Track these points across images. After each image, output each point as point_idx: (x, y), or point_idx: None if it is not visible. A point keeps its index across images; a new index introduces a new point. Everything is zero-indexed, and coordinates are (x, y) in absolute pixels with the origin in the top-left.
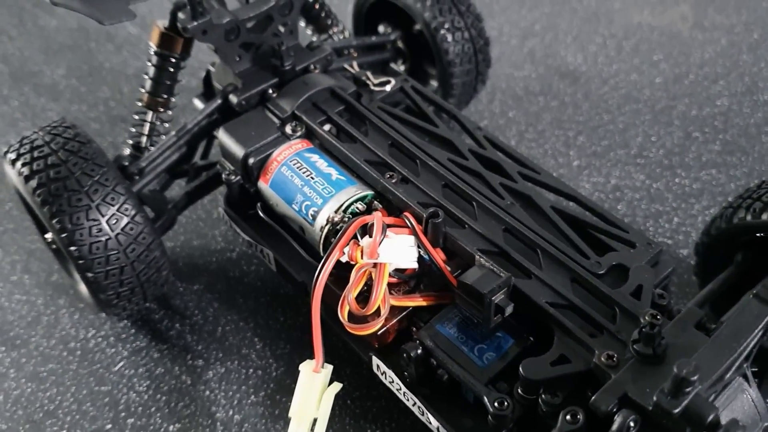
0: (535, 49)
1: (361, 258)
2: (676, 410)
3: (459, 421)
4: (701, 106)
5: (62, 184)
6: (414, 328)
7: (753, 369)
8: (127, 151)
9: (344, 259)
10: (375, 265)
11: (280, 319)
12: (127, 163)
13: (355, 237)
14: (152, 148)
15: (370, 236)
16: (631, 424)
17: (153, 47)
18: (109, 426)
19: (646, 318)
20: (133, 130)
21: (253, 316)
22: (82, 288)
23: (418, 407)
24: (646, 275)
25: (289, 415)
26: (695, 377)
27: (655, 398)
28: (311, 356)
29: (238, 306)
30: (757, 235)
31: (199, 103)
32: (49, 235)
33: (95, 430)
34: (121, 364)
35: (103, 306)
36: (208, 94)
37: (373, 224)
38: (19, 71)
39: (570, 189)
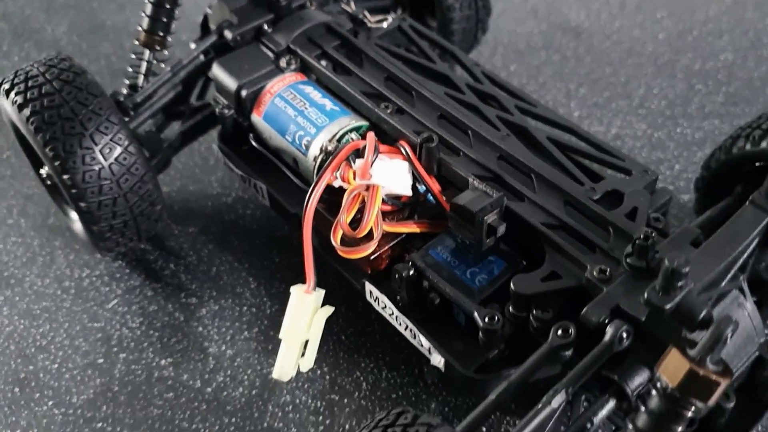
0: (538, 6)
1: (354, 179)
2: (668, 306)
3: (450, 343)
4: (705, 60)
5: (56, 112)
6: (407, 255)
7: (753, 299)
8: (124, 90)
9: (337, 184)
10: (368, 188)
11: (276, 260)
12: (122, 99)
13: (347, 161)
14: (147, 85)
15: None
16: (624, 335)
17: None
18: (101, 360)
19: (640, 235)
20: (130, 69)
21: (247, 257)
22: (77, 225)
23: (410, 331)
24: (642, 198)
25: (279, 336)
26: (686, 269)
27: (646, 295)
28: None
29: (233, 247)
30: (757, 164)
31: (194, 46)
32: (44, 171)
33: (87, 365)
34: (115, 301)
35: (96, 240)
36: (204, 36)
37: (365, 147)
38: (20, 28)
39: (566, 120)
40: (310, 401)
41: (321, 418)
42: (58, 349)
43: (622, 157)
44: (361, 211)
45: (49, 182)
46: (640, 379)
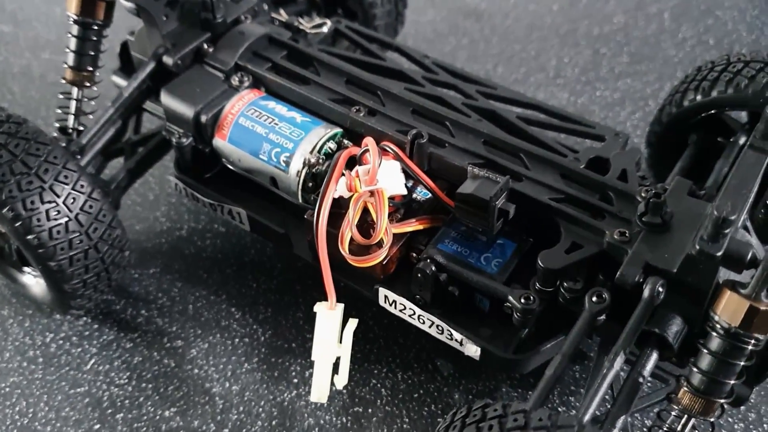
0: None
1: (360, 187)
2: (719, 253)
3: (480, 330)
4: (601, 25)
5: (7, 168)
6: (413, 254)
7: None
8: (54, 134)
9: (337, 195)
10: (372, 194)
11: (253, 285)
12: (65, 143)
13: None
14: (81, 128)
15: (361, 165)
16: (660, 289)
17: (72, 15)
18: (97, 426)
19: (643, 194)
20: (59, 111)
21: (223, 288)
22: (35, 288)
23: (437, 327)
24: (626, 159)
25: (312, 358)
26: (734, 216)
27: (697, 246)
28: (296, 316)
29: (203, 281)
30: (704, 114)
31: (119, 80)
32: None
33: None
34: (93, 361)
35: (68, 300)
36: (127, 68)
37: (364, 153)
38: None
39: (528, 98)
40: (335, 419)
41: None
42: (44, 425)
43: (592, 125)
44: (362, 219)
45: None
46: (675, 327)
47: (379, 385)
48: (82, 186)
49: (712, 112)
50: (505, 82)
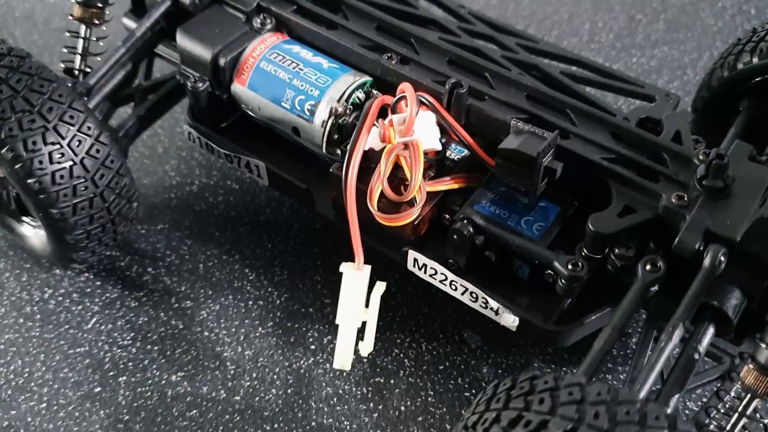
0: None
1: (394, 138)
2: None
3: (517, 299)
4: None
5: (8, 104)
6: (446, 215)
7: None
8: (60, 74)
9: (367, 146)
10: (405, 146)
11: (268, 246)
12: (71, 83)
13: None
14: (88, 69)
15: (394, 113)
16: (722, 258)
17: None
18: (98, 389)
19: (701, 156)
20: (65, 50)
21: (236, 247)
22: (34, 240)
23: (471, 294)
24: (681, 121)
25: (336, 321)
26: None
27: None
28: (314, 279)
29: (215, 239)
30: (760, 78)
31: (130, 22)
32: None
33: (82, 397)
34: (94, 320)
35: (67, 252)
36: (138, 10)
37: (398, 101)
38: None
39: (573, 54)
40: (354, 389)
41: (372, 404)
42: (40, 386)
43: (641, 84)
44: (393, 174)
45: None
46: (735, 300)
47: (402, 356)
48: (89, 128)
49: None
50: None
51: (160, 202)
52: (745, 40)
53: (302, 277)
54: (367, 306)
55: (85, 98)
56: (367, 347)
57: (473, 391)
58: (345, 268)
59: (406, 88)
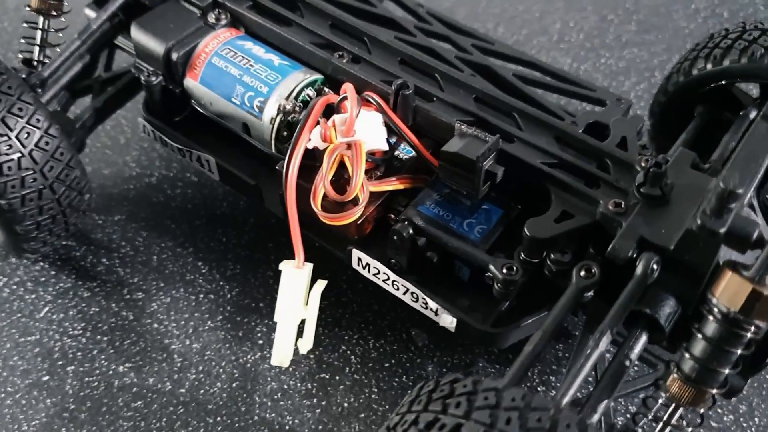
0: None
1: (336, 137)
2: (722, 229)
3: (457, 300)
4: None
5: None
6: (391, 215)
7: None
8: (17, 65)
9: (311, 145)
10: (349, 146)
11: (222, 239)
12: (25, 75)
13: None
14: (47, 60)
15: (339, 113)
16: (654, 266)
17: None
18: (46, 378)
19: (643, 162)
20: (23, 41)
21: (190, 240)
22: None
23: (412, 294)
24: (627, 126)
25: (275, 319)
26: (741, 190)
27: (699, 221)
28: (266, 275)
29: (170, 231)
30: (714, 85)
31: (92, 13)
32: None
33: (30, 386)
34: (47, 309)
35: (20, 242)
36: (100, 1)
37: (342, 101)
38: None
39: (528, 56)
40: (299, 385)
41: (315, 400)
42: None
43: (593, 88)
44: (337, 174)
45: None
46: (668, 308)
47: (348, 352)
48: (38, 120)
49: (723, 83)
50: (506, 42)
51: (119, 193)
52: (702, 46)
53: (254, 272)
54: (307, 304)
55: (40, 90)
56: (306, 345)
57: (411, 390)
58: (284, 266)
59: (348, 88)
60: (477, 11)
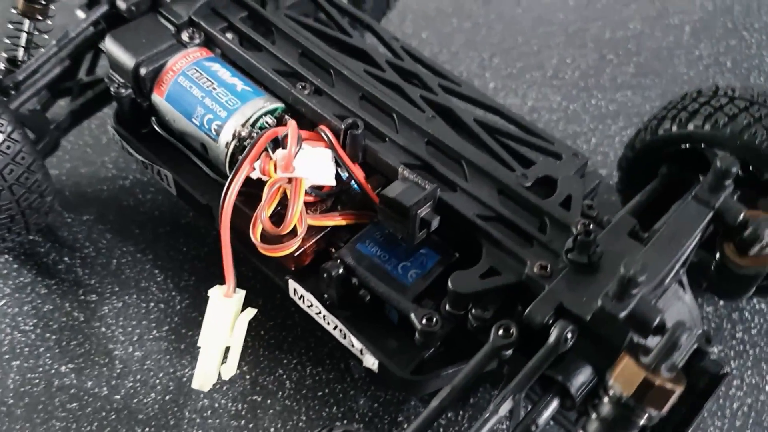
0: None
1: (275, 172)
2: (622, 314)
3: (383, 342)
4: (614, 29)
5: None
6: (332, 249)
7: None
8: (1, 66)
9: (255, 175)
10: (290, 180)
11: (183, 249)
12: (0, 77)
13: (266, 151)
14: (30, 61)
15: (284, 148)
16: (569, 335)
17: None
18: None
19: (579, 227)
20: (8, 41)
21: (151, 248)
22: None
23: (340, 330)
24: (575, 185)
25: (198, 344)
26: (643, 277)
27: (600, 302)
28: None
29: (134, 237)
30: (682, 146)
31: (82, 15)
32: None
33: None
34: (3, 302)
35: None
36: (92, 4)
37: (286, 135)
38: None
39: (492, 101)
40: (230, 404)
41: (243, 422)
42: None
43: (552, 140)
44: (282, 204)
45: None
46: (582, 377)
47: (285, 377)
48: (1, 125)
49: (686, 146)
50: (499, 75)
51: (92, 192)
52: (671, 105)
53: (207, 286)
54: (233, 331)
55: (14, 92)
56: (228, 371)
57: (345, 422)
58: (213, 292)
59: (290, 125)
60: (476, 39)
